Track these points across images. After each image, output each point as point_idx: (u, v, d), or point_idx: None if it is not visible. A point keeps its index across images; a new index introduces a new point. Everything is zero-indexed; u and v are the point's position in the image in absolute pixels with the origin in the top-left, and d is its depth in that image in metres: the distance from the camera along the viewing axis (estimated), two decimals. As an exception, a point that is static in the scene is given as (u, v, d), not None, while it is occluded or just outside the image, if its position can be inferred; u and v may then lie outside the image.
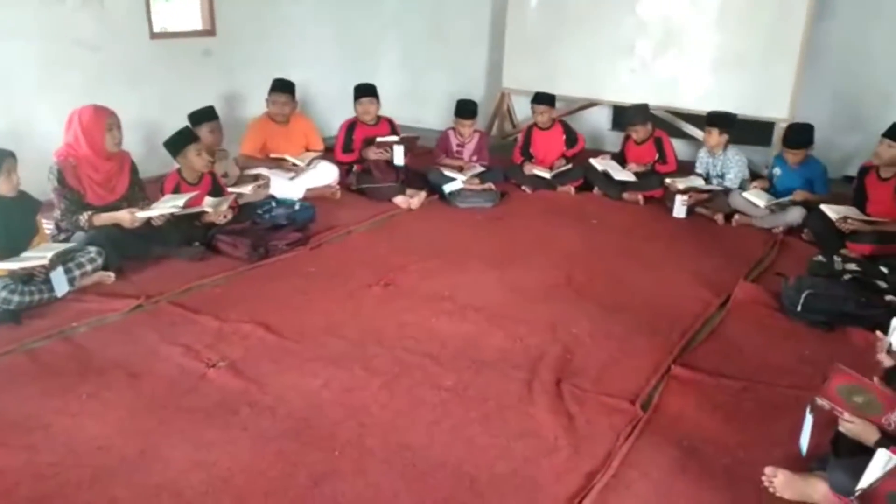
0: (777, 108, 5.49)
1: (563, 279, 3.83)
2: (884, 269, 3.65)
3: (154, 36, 5.48)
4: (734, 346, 3.18)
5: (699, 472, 2.31)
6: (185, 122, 4.39)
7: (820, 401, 2.12)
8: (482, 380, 2.83)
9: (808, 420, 2.24)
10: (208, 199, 4.09)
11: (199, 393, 2.71)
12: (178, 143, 4.09)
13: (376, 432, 2.49)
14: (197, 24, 5.87)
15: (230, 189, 4.44)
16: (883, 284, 3.56)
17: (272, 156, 5.09)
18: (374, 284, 3.70)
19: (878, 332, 2.48)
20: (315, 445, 2.40)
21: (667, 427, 2.55)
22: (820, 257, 3.92)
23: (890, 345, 2.41)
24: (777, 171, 4.82)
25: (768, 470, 2.23)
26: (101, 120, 3.72)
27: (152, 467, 2.28)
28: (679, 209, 4.88)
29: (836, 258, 3.85)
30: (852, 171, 5.11)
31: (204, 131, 4.46)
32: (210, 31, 5.85)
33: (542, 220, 4.83)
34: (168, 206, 3.82)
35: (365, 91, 5.28)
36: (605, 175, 5.31)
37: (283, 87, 5.11)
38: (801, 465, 2.25)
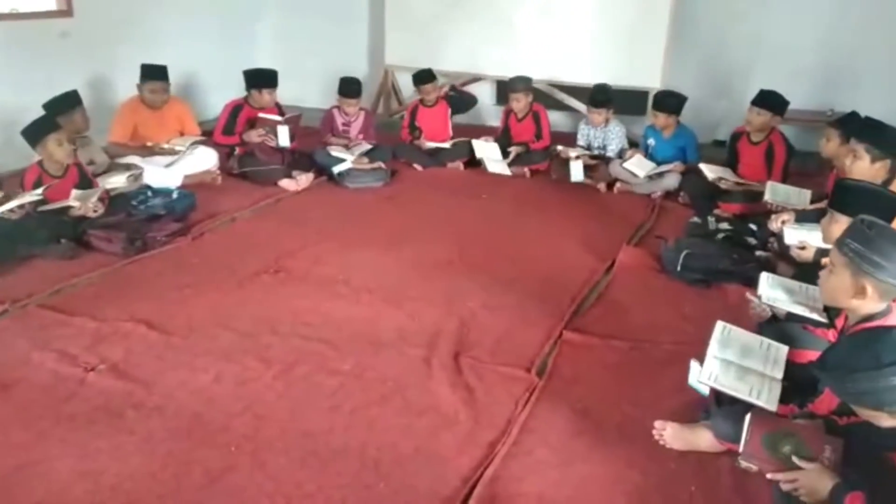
0: (650, 78, 5.72)
1: (456, 254, 3.85)
2: (753, 227, 3.91)
3: (1, 17, 5.02)
4: (621, 308, 3.31)
5: (594, 432, 2.39)
6: (49, 109, 4.06)
7: (745, 462, 1.96)
8: (380, 361, 2.81)
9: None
10: (75, 192, 3.81)
11: (79, 399, 2.53)
12: (35, 132, 3.77)
13: (274, 423, 2.42)
14: (51, 4, 5.42)
15: (100, 180, 4.16)
16: (753, 241, 3.82)
17: (149, 144, 4.79)
18: (263, 272, 3.58)
19: (748, 294, 2.64)
20: (209, 442, 2.31)
21: (562, 391, 2.63)
22: (695, 219, 4.16)
23: (760, 297, 2.58)
24: (651, 141, 5.04)
25: (658, 424, 2.34)
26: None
27: (31, 483, 2.12)
28: (577, 174, 5.00)
29: (710, 219, 4.09)
30: (722, 136, 5.44)
31: (66, 119, 4.13)
32: (66, 11, 5.41)
33: (433, 197, 4.83)
34: (26, 198, 3.52)
35: (270, 81, 5.03)
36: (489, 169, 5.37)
37: (155, 74, 4.81)
38: (688, 417, 2.38)
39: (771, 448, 1.87)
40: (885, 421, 1.61)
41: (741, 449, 1.93)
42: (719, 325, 2.44)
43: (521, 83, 5.38)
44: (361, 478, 2.17)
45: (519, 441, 2.33)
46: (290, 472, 2.19)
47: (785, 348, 2.33)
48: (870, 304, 1.95)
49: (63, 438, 2.32)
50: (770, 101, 4.37)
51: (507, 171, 5.31)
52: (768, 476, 1.86)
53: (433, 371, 2.73)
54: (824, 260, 2.45)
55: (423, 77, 5.53)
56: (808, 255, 3.00)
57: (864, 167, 3.01)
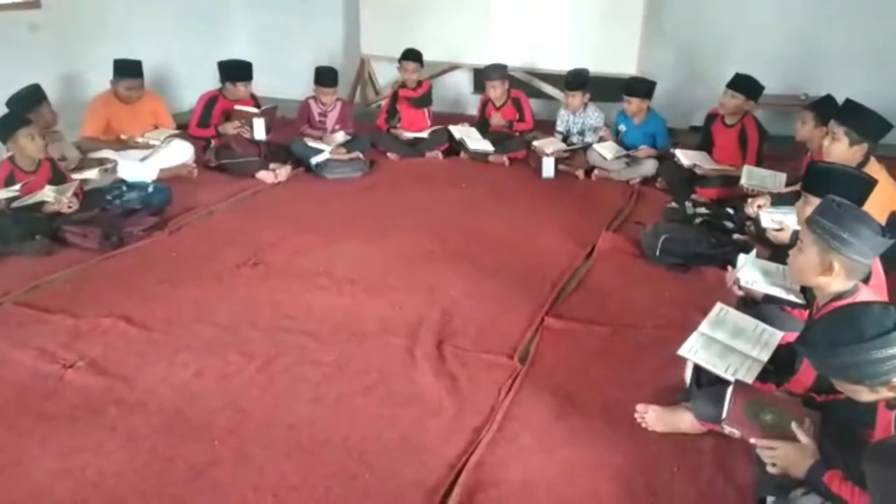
0: (626, 64, 5.73)
1: (437, 244, 3.85)
2: (730, 211, 3.95)
3: (-34, 10, 4.92)
4: (601, 293, 3.34)
5: (577, 417, 2.42)
6: (12, 106, 3.98)
7: (729, 428, 1.95)
8: (363, 351, 2.81)
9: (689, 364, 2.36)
10: (49, 187, 3.75)
11: (59, 397, 2.51)
12: (6, 127, 3.71)
13: (257, 417, 2.41)
14: (17, -5, 5.31)
15: (73, 175, 4.09)
16: (730, 224, 3.86)
17: (123, 137, 4.72)
18: (242, 265, 3.56)
19: (729, 267, 2.67)
20: (192, 437, 2.30)
21: (544, 377, 2.65)
22: (673, 204, 4.19)
23: (738, 278, 2.61)
24: (622, 127, 5.07)
25: (639, 407, 2.37)
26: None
27: (11, 483, 2.11)
28: (548, 170, 5.02)
29: (687, 204, 4.13)
30: (698, 122, 5.46)
31: (33, 114, 4.05)
32: (34, 3, 5.30)
33: (412, 187, 4.81)
34: (1, 194, 3.46)
35: (245, 74, 4.96)
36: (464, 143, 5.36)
37: (129, 71, 4.70)
38: (669, 400, 2.41)
39: (753, 415, 1.91)
40: (865, 395, 1.63)
41: (723, 415, 1.95)
42: (717, 307, 2.47)
43: (496, 71, 5.37)
44: (346, 468, 2.17)
45: (503, 427, 2.35)
46: (275, 464, 2.18)
47: (780, 334, 2.33)
48: (837, 282, 1.99)
49: (43, 437, 2.30)
50: (745, 85, 4.41)
51: (489, 146, 5.31)
52: (751, 441, 1.87)
53: (416, 360, 2.74)
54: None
55: (408, 54, 5.49)
56: (784, 236, 3.04)
57: (841, 150, 3.04)
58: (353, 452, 2.24)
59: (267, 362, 2.72)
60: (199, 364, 2.70)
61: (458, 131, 5.40)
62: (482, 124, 5.54)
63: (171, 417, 2.40)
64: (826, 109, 3.71)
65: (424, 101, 5.58)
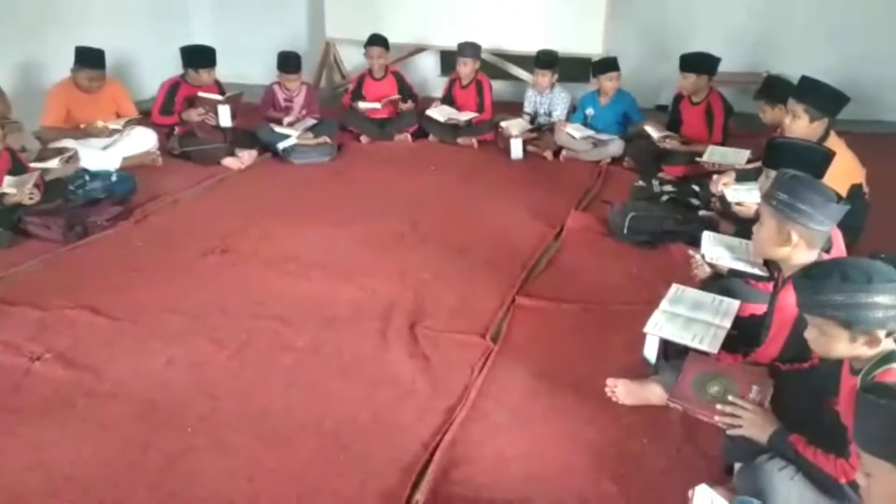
0: (592, 45, 5.75)
1: (407, 227, 3.85)
2: (696, 188, 4.01)
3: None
4: (570, 271, 3.38)
5: (549, 393, 2.45)
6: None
7: (672, 403, 2.00)
8: (336, 335, 2.81)
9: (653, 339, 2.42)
10: (8, 179, 3.67)
11: (26, 390, 2.47)
12: (-39, 118, 3.61)
13: (230, 403, 2.40)
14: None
15: (34, 165, 4.00)
16: (696, 202, 3.92)
17: (82, 126, 4.61)
18: (209, 253, 3.52)
19: (690, 251, 2.72)
20: (165, 426, 2.28)
21: (516, 355, 2.68)
22: (640, 182, 4.24)
23: (703, 256, 2.66)
24: (590, 110, 5.10)
25: (610, 381, 2.41)
26: None
27: (-20, 478, 2.07)
28: (516, 151, 5.04)
29: (654, 182, 4.19)
30: (664, 101, 5.52)
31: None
32: (-17, -12, 5.15)
33: (381, 171, 4.79)
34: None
35: (208, 60, 4.86)
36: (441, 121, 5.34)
37: (92, 62, 4.56)
38: (638, 374, 2.45)
39: (699, 389, 1.96)
40: (841, 346, 1.64)
41: (672, 390, 2.01)
42: (673, 287, 2.54)
43: (470, 48, 5.37)
44: (322, 451, 2.18)
45: (476, 405, 2.37)
46: (250, 449, 2.18)
47: (736, 303, 2.42)
48: (800, 253, 2.03)
49: (10, 431, 2.26)
50: (693, 63, 4.50)
51: (462, 115, 5.30)
52: (715, 418, 1.90)
53: (389, 343, 2.75)
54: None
55: (373, 39, 5.44)
56: (748, 211, 3.09)
57: (803, 126, 3.10)
58: (328, 435, 2.25)
59: (238, 349, 2.70)
60: (170, 353, 2.68)
61: (434, 112, 5.37)
62: (447, 103, 5.52)
63: (143, 407, 2.38)
64: (772, 91, 3.84)
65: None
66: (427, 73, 6.91)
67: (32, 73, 5.30)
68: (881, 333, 1.60)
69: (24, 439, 2.22)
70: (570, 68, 5.58)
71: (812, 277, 1.66)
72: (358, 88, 5.58)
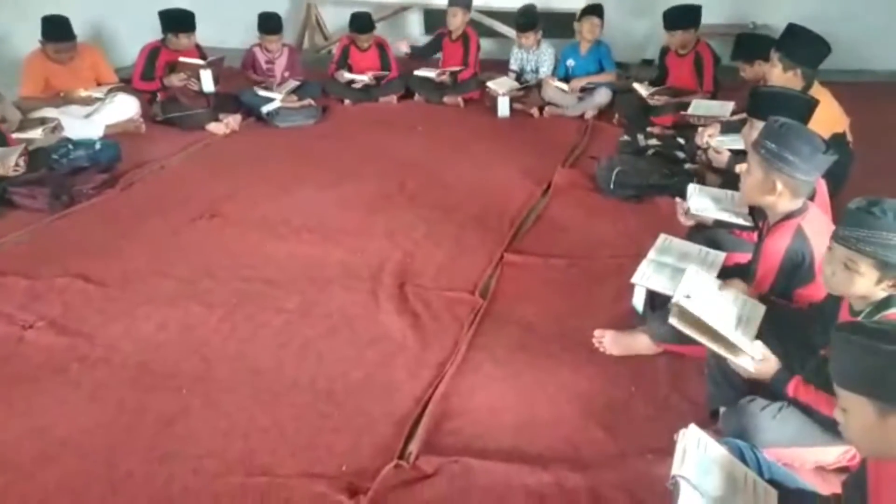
0: (574, -1, 5.67)
1: (395, 188, 3.84)
2: (681, 141, 4.01)
3: None
4: (558, 227, 3.39)
5: (538, 344, 2.49)
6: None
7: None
8: (326, 296, 2.83)
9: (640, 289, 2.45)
10: (-10, 150, 3.63)
11: (20, 358, 2.49)
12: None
13: (222, 365, 2.43)
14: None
15: (16, 136, 3.95)
16: (681, 155, 3.92)
17: (61, 94, 4.54)
18: (198, 218, 3.51)
19: (678, 199, 2.74)
20: (159, 388, 2.31)
21: (506, 310, 2.71)
22: (626, 137, 4.24)
23: (688, 208, 2.67)
24: (570, 62, 5.07)
25: (597, 332, 2.45)
26: None
27: (-23, 445, 2.09)
28: (503, 109, 5.01)
29: (639, 136, 4.18)
30: (649, 55, 5.49)
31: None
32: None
33: (367, 133, 4.76)
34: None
35: (187, 24, 4.75)
36: (426, 79, 5.30)
37: (57, 35, 4.41)
38: (625, 325, 2.49)
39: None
40: (863, 284, 1.62)
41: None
42: (661, 237, 2.57)
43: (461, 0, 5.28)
44: (315, 408, 2.21)
45: (467, 359, 2.41)
46: (243, 408, 2.21)
47: (722, 254, 2.44)
48: (784, 201, 2.06)
49: (5, 398, 2.28)
50: (677, 19, 4.47)
51: (445, 76, 5.28)
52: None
53: (380, 302, 2.77)
54: (740, 166, 2.57)
55: (361, 28, 5.30)
56: (723, 158, 3.11)
57: (777, 75, 3.10)
58: (321, 393, 2.28)
59: (229, 311, 2.72)
60: (161, 317, 2.69)
61: (422, 71, 5.32)
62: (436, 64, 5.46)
63: (137, 370, 2.40)
64: (742, 50, 3.89)
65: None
66: (412, 31, 6.81)
67: (5, 41, 5.18)
68: None
69: (19, 406, 2.24)
70: (555, 24, 5.51)
71: (871, 213, 1.60)
72: (343, 58, 5.48)
